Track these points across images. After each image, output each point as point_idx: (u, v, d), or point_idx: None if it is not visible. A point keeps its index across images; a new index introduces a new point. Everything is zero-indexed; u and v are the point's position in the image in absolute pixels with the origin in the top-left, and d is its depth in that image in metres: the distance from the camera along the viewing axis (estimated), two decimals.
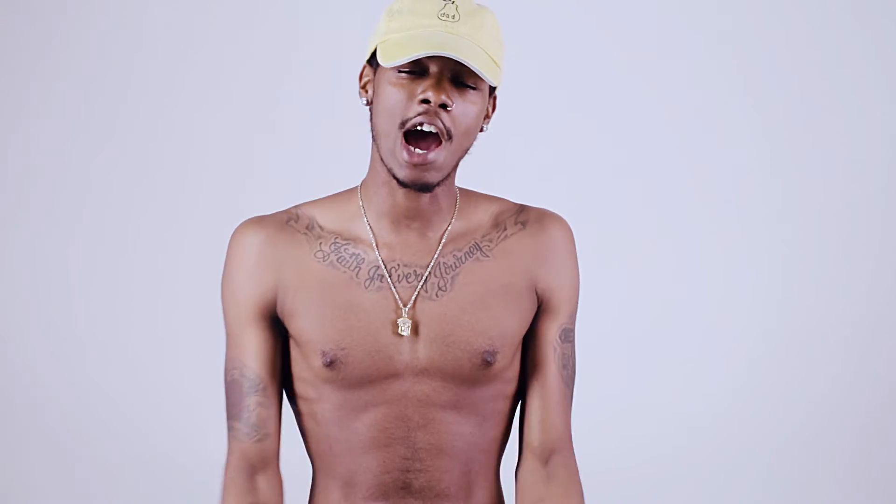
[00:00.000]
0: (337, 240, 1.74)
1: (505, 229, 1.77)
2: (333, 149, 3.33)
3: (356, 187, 1.77)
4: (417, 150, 1.63)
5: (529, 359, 1.78)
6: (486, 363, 1.71)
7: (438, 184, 1.67)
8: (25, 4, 3.68)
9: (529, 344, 1.78)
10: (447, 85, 1.63)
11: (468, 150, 1.69)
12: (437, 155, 1.64)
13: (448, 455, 1.73)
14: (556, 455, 1.77)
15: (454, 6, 1.64)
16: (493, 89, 1.71)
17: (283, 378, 1.78)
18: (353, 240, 1.74)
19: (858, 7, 3.51)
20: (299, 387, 1.75)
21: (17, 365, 3.58)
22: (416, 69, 1.63)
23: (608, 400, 3.44)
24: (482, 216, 1.77)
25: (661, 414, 3.44)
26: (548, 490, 1.75)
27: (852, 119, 3.52)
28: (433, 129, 1.62)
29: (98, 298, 3.62)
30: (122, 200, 3.66)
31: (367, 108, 1.71)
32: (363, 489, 1.73)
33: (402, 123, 1.63)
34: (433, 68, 1.63)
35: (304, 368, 1.74)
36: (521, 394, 1.80)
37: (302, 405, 1.76)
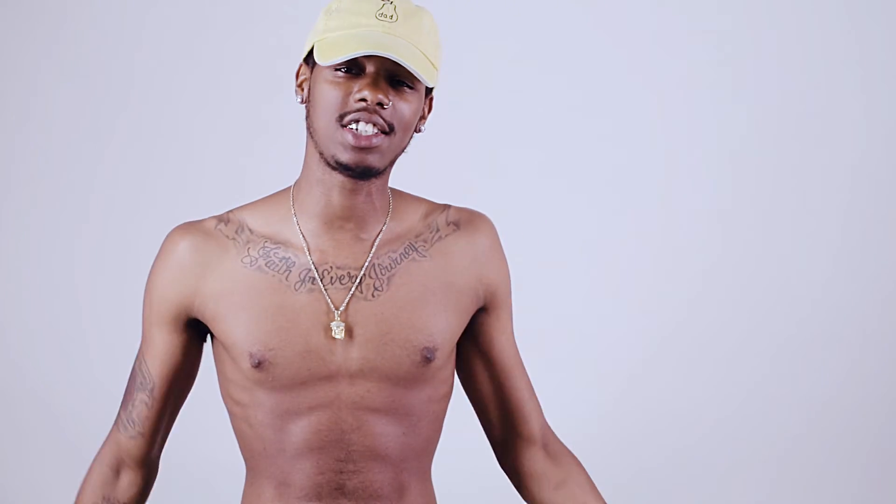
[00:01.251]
0: (266, 244, 1.73)
1: (438, 230, 1.77)
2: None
3: (289, 188, 1.77)
4: (363, 132, 1.63)
5: (496, 356, 1.83)
6: (426, 360, 1.71)
7: (376, 177, 1.68)
8: (28, 5, 3.68)
9: (490, 342, 1.82)
10: (384, 84, 1.63)
11: (405, 149, 1.69)
12: (381, 140, 1.64)
13: (381, 458, 1.72)
14: (550, 438, 1.88)
15: (392, 6, 1.64)
16: (429, 91, 1.71)
17: (186, 386, 1.83)
18: (283, 243, 1.73)
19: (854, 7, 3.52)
20: (231, 390, 1.76)
21: (21, 364, 3.60)
22: (353, 68, 1.63)
23: (608, 400, 3.47)
24: (413, 217, 1.77)
25: (664, 414, 3.46)
26: (563, 469, 1.86)
27: (852, 117, 3.52)
28: (372, 130, 1.63)
29: (103, 298, 3.64)
30: (127, 199, 3.67)
31: (303, 105, 1.71)
32: (297, 490, 1.73)
33: (341, 117, 1.63)
34: (370, 68, 1.63)
35: (234, 371, 1.73)
36: (448, 398, 1.82)
37: (234, 408, 1.77)
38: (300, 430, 1.70)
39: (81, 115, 3.65)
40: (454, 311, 1.75)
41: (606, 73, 3.56)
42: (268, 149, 3.57)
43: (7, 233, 3.64)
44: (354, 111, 1.62)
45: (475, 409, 1.87)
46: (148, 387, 1.78)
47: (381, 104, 1.62)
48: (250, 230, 1.74)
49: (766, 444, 3.42)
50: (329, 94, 1.63)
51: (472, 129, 3.49)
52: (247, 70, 3.60)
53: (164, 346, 1.76)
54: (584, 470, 1.86)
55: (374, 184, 1.70)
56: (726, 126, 3.52)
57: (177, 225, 1.77)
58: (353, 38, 1.62)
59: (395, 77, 1.64)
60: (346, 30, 1.63)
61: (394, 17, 1.64)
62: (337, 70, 1.63)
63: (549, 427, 1.88)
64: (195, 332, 1.78)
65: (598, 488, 1.86)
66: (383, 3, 1.64)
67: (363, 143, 1.63)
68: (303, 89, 1.71)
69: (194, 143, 3.66)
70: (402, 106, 1.64)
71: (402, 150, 1.69)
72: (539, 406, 1.87)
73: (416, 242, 1.75)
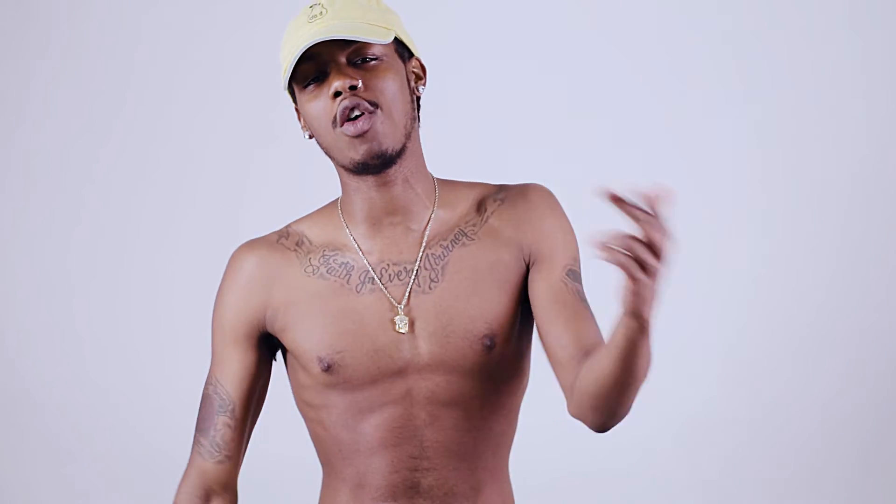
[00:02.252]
0: (325, 252, 1.76)
1: (486, 210, 1.76)
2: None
3: (335, 200, 1.79)
4: (356, 124, 1.64)
5: (542, 305, 1.71)
6: (487, 348, 1.70)
7: (398, 156, 1.68)
8: (25, 4, 3.69)
9: (539, 295, 1.72)
10: (348, 70, 1.65)
11: (412, 116, 1.70)
12: (369, 122, 1.64)
13: (456, 453, 1.72)
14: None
15: (320, 6, 1.67)
16: (410, 54, 1.73)
17: (260, 405, 1.81)
18: (339, 249, 1.75)
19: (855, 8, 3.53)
20: (305, 396, 1.77)
21: (18, 364, 3.61)
22: (319, 76, 1.66)
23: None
24: (465, 204, 1.77)
25: (652, 414, 3.43)
26: (588, 361, 1.62)
27: (849, 118, 3.54)
28: (359, 112, 1.64)
29: (98, 298, 3.65)
30: (122, 200, 3.69)
31: (312, 140, 1.74)
32: (372, 490, 1.73)
33: (334, 121, 1.65)
34: (329, 65, 1.66)
35: (305, 377, 1.75)
36: (525, 387, 1.79)
37: (309, 412, 1.78)
38: (373, 428, 1.71)
39: (77, 115, 3.67)
40: (505, 290, 1.72)
41: (608, 74, 3.58)
42: (267, 150, 3.61)
43: (2, 233, 3.67)
44: (338, 106, 1.64)
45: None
46: (228, 408, 1.77)
47: (352, 87, 1.64)
48: (309, 241, 1.77)
49: (760, 443, 3.43)
50: (313, 110, 1.67)
51: (475, 129, 3.52)
52: (246, 71, 3.62)
53: (240, 365, 1.77)
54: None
55: (405, 167, 1.70)
56: (731, 126, 3.54)
57: (241, 244, 1.81)
58: (293, 50, 1.65)
59: (356, 59, 1.66)
60: (289, 47, 1.67)
61: (323, 12, 1.66)
62: (306, 87, 1.67)
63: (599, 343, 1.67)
64: (266, 348, 1.79)
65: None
66: (312, 6, 1.68)
67: (360, 130, 1.64)
68: (305, 128, 1.74)
69: (191, 144, 3.68)
70: (378, 79, 1.66)
71: (412, 121, 1.70)
72: (592, 334, 1.68)
73: (465, 228, 1.74)
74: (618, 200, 1.31)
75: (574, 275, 1.73)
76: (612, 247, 1.32)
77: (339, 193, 1.79)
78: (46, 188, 3.68)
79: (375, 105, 1.65)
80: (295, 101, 1.73)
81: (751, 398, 3.43)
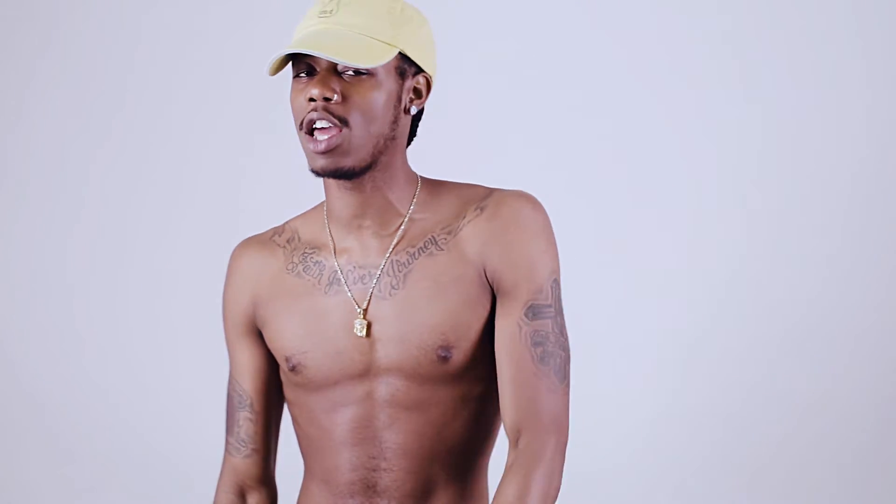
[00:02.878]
0: (306, 250, 1.77)
1: (464, 218, 1.71)
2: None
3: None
4: (318, 137, 1.63)
5: (497, 345, 1.69)
6: (442, 359, 1.68)
7: (366, 170, 1.66)
8: (25, 4, 3.69)
9: (496, 336, 1.69)
10: (332, 79, 1.62)
11: (388, 134, 1.66)
12: (334, 140, 1.62)
13: (414, 455, 1.73)
14: (523, 433, 1.66)
15: (335, 1, 1.64)
16: (417, 70, 1.69)
17: (281, 397, 1.83)
18: (318, 248, 1.76)
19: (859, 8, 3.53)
20: (286, 391, 1.81)
21: (16, 364, 3.60)
22: (308, 70, 1.64)
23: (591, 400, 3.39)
24: (446, 208, 1.73)
25: (628, 413, 3.47)
26: (506, 473, 1.66)
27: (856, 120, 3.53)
28: (325, 124, 1.62)
29: (96, 298, 3.64)
30: (121, 200, 3.68)
31: None
32: (335, 487, 1.75)
33: (301, 124, 1.64)
34: (318, 66, 1.63)
35: (281, 374, 1.80)
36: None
37: (290, 408, 1.82)
38: (337, 426, 1.73)
39: (75, 115, 3.68)
40: (468, 303, 1.69)
41: (607, 73, 3.57)
42: (266, 149, 3.61)
43: (0, 233, 3.67)
44: (307, 112, 1.62)
45: None
46: (247, 403, 1.81)
47: (326, 98, 1.61)
48: (299, 238, 1.78)
49: (751, 441, 3.43)
50: (294, 101, 1.65)
51: (474, 129, 3.52)
52: (245, 70, 3.59)
53: (250, 360, 1.81)
54: (521, 482, 1.65)
55: (375, 177, 1.68)
56: (728, 127, 3.54)
57: (239, 244, 1.84)
58: (293, 43, 1.62)
59: (346, 70, 1.63)
60: (294, 38, 1.65)
61: (334, 10, 1.63)
62: (297, 77, 1.65)
63: (532, 428, 1.66)
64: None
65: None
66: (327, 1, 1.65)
67: (322, 148, 1.62)
68: None
69: (189, 142, 3.70)
70: (359, 96, 1.62)
71: (388, 139, 1.66)
72: (524, 402, 1.66)
73: (437, 236, 1.71)
74: None
75: (536, 311, 1.69)
76: None
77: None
78: (43, 188, 3.69)
79: (344, 122, 1.62)
80: None
81: (726, 394, 3.45)
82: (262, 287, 1.78)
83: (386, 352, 1.70)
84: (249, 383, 1.81)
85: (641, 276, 3.53)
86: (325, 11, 1.63)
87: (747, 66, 3.54)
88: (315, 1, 1.68)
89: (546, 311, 1.68)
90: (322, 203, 1.79)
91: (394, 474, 1.73)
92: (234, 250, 1.83)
